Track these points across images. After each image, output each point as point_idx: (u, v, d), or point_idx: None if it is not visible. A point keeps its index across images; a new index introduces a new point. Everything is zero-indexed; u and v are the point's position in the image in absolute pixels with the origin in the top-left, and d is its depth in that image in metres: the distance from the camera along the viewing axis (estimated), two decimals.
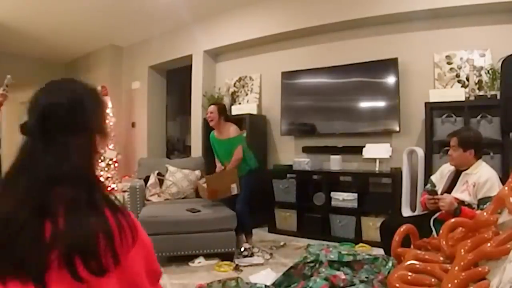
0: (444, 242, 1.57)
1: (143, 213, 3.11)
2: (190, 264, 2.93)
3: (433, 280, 1.37)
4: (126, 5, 4.57)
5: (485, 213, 1.59)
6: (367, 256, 1.97)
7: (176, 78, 6.19)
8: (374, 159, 3.75)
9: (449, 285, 1.27)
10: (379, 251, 2.40)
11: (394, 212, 3.33)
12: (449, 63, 3.56)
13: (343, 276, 1.77)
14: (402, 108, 3.70)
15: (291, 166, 4.16)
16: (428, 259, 1.55)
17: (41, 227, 0.69)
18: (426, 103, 3.41)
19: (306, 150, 4.32)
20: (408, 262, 1.52)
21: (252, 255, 3.14)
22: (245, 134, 4.31)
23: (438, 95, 3.42)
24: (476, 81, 3.35)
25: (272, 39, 4.56)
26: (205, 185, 3.30)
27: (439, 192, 2.33)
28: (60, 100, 0.77)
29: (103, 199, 0.76)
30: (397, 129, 3.70)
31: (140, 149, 5.92)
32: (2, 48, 5.93)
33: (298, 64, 4.37)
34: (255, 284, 2.03)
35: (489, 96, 3.23)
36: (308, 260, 1.97)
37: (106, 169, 5.31)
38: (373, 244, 3.32)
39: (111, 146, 5.60)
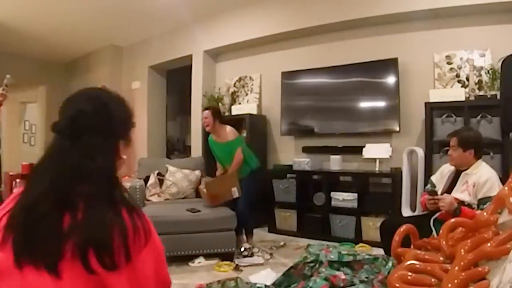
0: (444, 242, 1.57)
1: None
2: (190, 264, 2.94)
3: (433, 280, 1.37)
4: (126, 5, 4.57)
5: (485, 213, 1.59)
6: (367, 256, 1.97)
7: (176, 78, 6.19)
8: (374, 159, 3.75)
9: (449, 285, 1.27)
10: (379, 251, 2.40)
11: (394, 212, 3.33)
12: (449, 63, 3.56)
13: (343, 276, 1.77)
14: (402, 108, 3.70)
15: (291, 166, 4.16)
16: (428, 259, 1.55)
17: (60, 219, 0.74)
18: (426, 103, 3.42)
19: (306, 150, 4.32)
20: (408, 262, 1.52)
21: (252, 255, 3.14)
22: (244, 134, 4.32)
23: (438, 95, 3.42)
24: (476, 81, 3.35)
25: (272, 39, 4.56)
26: (205, 190, 3.29)
27: (439, 192, 2.33)
28: (87, 108, 0.84)
29: (121, 200, 0.81)
30: (397, 129, 3.70)
31: (140, 149, 5.92)
32: (2, 48, 5.93)
33: (298, 64, 4.37)
34: (255, 284, 2.03)
35: (489, 96, 3.23)
36: (308, 260, 1.97)
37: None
38: (373, 244, 3.32)
39: None
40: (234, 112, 4.66)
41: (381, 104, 3.84)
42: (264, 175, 4.09)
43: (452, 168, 2.39)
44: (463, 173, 2.28)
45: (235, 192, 3.19)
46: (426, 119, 3.42)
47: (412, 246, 1.97)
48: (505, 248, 1.25)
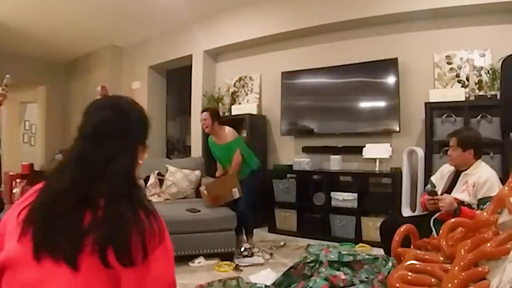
0: (444, 242, 1.57)
1: None
2: (190, 264, 2.94)
3: (433, 280, 1.37)
4: (126, 5, 4.57)
5: (485, 213, 1.59)
6: (367, 256, 1.97)
7: (176, 78, 6.19)
8: (374, 159, 3.75)
9: (449, 285, 1.27)
10: (379, 251, 2.40)
11: (394, 212, 3.33)
12: (449, 63, 3.56)
13: (343, 276, 1.77)
14: (402, 108, 3.70)
15: (291, 166, 4.16)
16: (428, 259, 1.55)
17: (81, 216, 0.78)
18: (426, 103, 3.42)
19: (306, 150, 4.32)
20: (408, 262, 1.52)
21: (252, 255, 3.14)
22: (244, 134, 4.32)
23: (438, 95, 3.42)
24: (476, 81, 3.35)
25: (272, 39, 4.56)
26: (206, 192, 3.29)
27: (439, 193, 2.33)
28: (110, 115, 0.91)
29: (139, 200, 0.86)
30: (397, 129, 3.70)
31: None
32: (2, 48, 5.93)
33: (298, 64, 4.37)
34: (255, 284, 2.03)
35: (489, 96, 3.23)
36: (308, 260, 1.97)
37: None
38: (373, 244, 3.32)
39: None
40: (234, 112, 4.66)
41: (381, 104, 3.84)
42: (264, 175, 4.09)
43: (452, 168, 2.39)
44: (463, 173, 2.28)
45: (236, 193, 3.19)
46: (426, 119, 3.42)
47: (412, 246, 1.97)
48: (505, 248, 1.25)
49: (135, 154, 0.93)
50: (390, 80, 3.75)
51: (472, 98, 3.30)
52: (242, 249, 3.16)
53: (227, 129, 3.41)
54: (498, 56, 3.11)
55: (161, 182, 3.82)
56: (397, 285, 1.40)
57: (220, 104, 4.80)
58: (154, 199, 3.68)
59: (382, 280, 1.74)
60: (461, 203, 2.14)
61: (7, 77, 3.43)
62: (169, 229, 0.91)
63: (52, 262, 0.75)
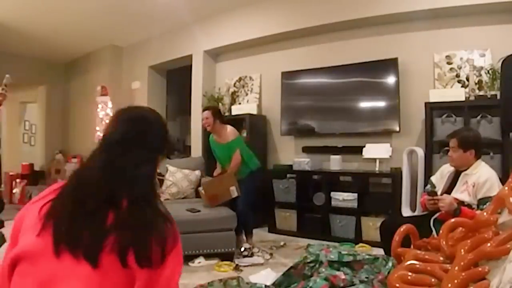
0: (444, 242, 1.57)
1: None
2: (190, 264, 2.94)
3: (433, 280, 1.37)
4: (126, 5, 4.57)
5: (485, 213, 1.59)
6: (367, 256, 1.97)
7: (176, 78, 6.19)
8: (374, 159, 3.75)
9: (449, 285, 1.27)
10: (379, 251, 2.40)
11: (394, 212, 3.33)
12: (449, 63, 3.56)
13: (343, 276, 1.77)
14: (402, 108, 3.70)
15: (291, 166, 4.16)
16: (428, 259, 1.55)
17: (105, 216, 0.82)
18: (426, 103, 3.42)
19: (306, 150, 4.32)
20: (408, 262, 1.52)
21: (252, 255, 3.14)
22: (244, 134, 4.32)
23: (438, 95, 3.42)
24: (476, 81, 3.35)
25: (272, 39, 4.56)
26: (203, 191, 3.29)
27: (439, 193, 2.32)
28: (138, 126, 0.98)
29: (158, 206, 0.92)
30: (397, 129, 3.70)
31: None
32: (2, 48, 5.93)
33: (298, 64, 4.37)
34: (255, 284, 2.03)
35: (489, 96, 3.23)
36: (308, 260, 1.97)
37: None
38: (373, 244, 3.32)
39: None
40: (234, 112, 4.66)
41: (381, 104, 3.84)
42: (264, 175, 4.09)
43: (452, 168, 2.39)
44: (463, 173, 2.28)
45: (234, 191, 3.18)
46: (426, 119, 3.41)
47: (412, 246, 1.98)
48: (505, 248, 1.25)
49: (156, 164, 1.00)
50: (390, 80, 3.75)
51: (472, 98, 3.30)
52: (242, 249, 3.16)
53: (229, 128, 3.40)
54: (498, 56, 3.11)
55: (161, 182, 3.82)
56: (397, 285, 1.40)
57: (220, 104, 4.80)
58: None
59: (382, 280, 1.74)
60: (461, 203, 2.14)
61: (7, 77, 3.43)
62: None
63: (71, 258, 0.78)
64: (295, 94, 4.35)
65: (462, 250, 1.40)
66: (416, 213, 2.83)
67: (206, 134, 4.46)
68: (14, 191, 6.24)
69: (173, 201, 3.64)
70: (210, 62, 5.22)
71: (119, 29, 5.45)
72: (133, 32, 5.56)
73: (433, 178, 2.55)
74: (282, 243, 3.61)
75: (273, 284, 2.00)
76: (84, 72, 6.68)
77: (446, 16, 3.55)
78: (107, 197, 0.84)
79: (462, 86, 3.45)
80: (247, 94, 4.86)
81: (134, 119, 1.00)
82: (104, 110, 5.66)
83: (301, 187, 4.02)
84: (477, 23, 3.47)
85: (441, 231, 1.64)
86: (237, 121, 4.32)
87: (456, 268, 1.32)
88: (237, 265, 2.92)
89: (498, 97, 3.13)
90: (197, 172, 3.91)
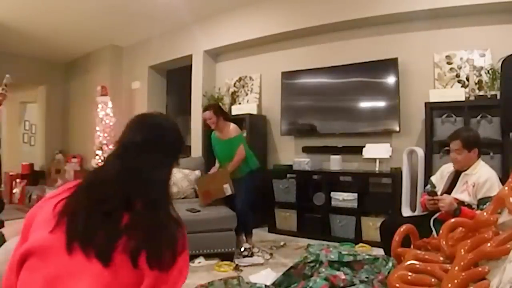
0: (444, 242, 1.57)
1: None
2: (190, 264, 2.92)
3: (433, 280, 1.37)
4: (126, 5, 4.57)
5: (485, 213, 1.59)
6: (367, 257, 1.97)
7: (176, 78, 6.19)
8: (374, 159, 3.75)
9: (449, 285, 1.27)
10: (379, 251, 2.40)
11: (394, 212, 3.33)
12: (449, 63, 3.56)
13: (343, 276, 1.77)
14: (402, 108, 3.70)
15: (291, 166, 4.16)
16: (428, 259, 1.55)
17: (120, 216, 0.84)
18: (426, 103, 3.42)
19: (306, 150, 4.32)
20: (408, 262, 1.52)
21: (252, 255, 3.14)
22: (244, 134, 4.31)
23: (438, 95, 3.42)
24: (476, 81, 3.35)
25: (272, 39, 4.56)
26: (196, 187, 3.28)
27: (439, 193, 2.32)
28: (151, 132, 1.01)
29: (172, 210, 0.95)
30: (397, 129, 3.70)
31: None
32: (2, 48, 5.93)
33: (298, 64, 4.37)
34: (255, 283, 2.03)
35: (489, 96, 3.23)
36: (308, 260, 1.97)
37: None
38: (373, 244, 3.32)
39: (111, 146, 5.60)
40: (234, 112, 4.66)
41: (381, 104, 3.84)
42: (264, 175, 4.09)
43: (452, 168, 2.39)
44: (463, 174, 2.28)
45: (228, 189, 3.16)
46: (426, 119, 3.41)
47: (412, 246, 1.98)
48: (505, 248, 1.25)
49: (171, 169, 1.03)
50: (390, 80, 3.75)
51: (472, 98, 3.30)
52: (242, 249, 3.16)
53: (232, 125, 3.40)
54: (498, 56, 3.11)
55: None
56: (397, 285, 1.40)
57: (220, 104, 4.80)
58: None
59: (382, 280, 1.74)
60: (461, 203, 2.14)
61: (6, 76, 3.43)
62: None
63: (83, 256, 0.79)
64: (295, 94, 4.35)
65: (462, 250, 1.40)
66: (416, 213, 2.82)
67: (206, 134, 4.46)
68: (14, 191, 6.24)
69: (173, 201, 3.63)
70: (210, 62, 5.22)
71: (119, 29, 5.45)
72: (133, 32, 5.56)
73: (433, 178, 2.55)
74: (282, 243, 3.61)
75: (273, 284, 2.00)
76: (84, 72, 6.68)
77: (446, 16, 3.55)
78: (122, 199, 0.86)
79: (462, 86, 3.45)
80: (247, 94, 4.86)
81: (151, 124, 1.04)
82: (104, 110, 5.65)
83: (301, 187, 4.02)
84: (477, 23, 3.47)
85: (441, 231, 1.64)
86: (237, 121, 4.29)
87: (456, 268, 1.32)
88: (237, 265, 2.92)
89: (498, 97, 3.13)
90: (197, 172, 3.90)
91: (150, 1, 4.47)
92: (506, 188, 1.57)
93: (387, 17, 3.75)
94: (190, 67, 5.22)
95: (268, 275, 2.55)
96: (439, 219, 2.15)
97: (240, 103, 4.85)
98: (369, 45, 3.99)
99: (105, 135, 5.59)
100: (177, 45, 5.38)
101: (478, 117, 3.19)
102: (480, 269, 1.28)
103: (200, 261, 2.96)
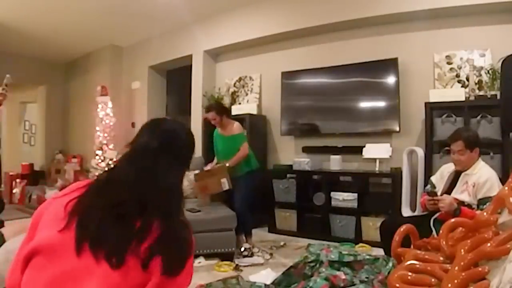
0: (444, 242, 1.57)
1: None
2: None
3: (433, 280, 1.37)
4: (126, 5, 4.57)
5: (485, 213, 1.59)
6: (367, 257, 1.97)
7: (176, 78, 6.19)
8: (374, 159, 3.75)
9: (449, 285, 1.27)
10: (379, 251, 2.40)
11: (394, 212, 3.33)
12: (449, 63, 3.56)
13: (343, 276, 1.77)
14: (402, 108, 3.70)
15: (291, 166, 4.16)
16: (428, 259, 1.55)
17: (134, 219, 0.84)
18: (426, 103, 3.42)
19: (306, 150, 4.32)
20: (408, 262, 1.52)
21: (252, 255, 3.14)
22: (244, 134, 4.31)
23: (438, 95, 3.42)
24: (476, 81, 3.35)
25: (272, 39, 4.56)
26: (195, 180, 3.30)
27: (439, 193, 2.32)
28: (165, 138, 1.02)
29: (183, 216, 0.96)
30: (397, 129, 3.70)
31: None
32: (2, 48, 5.93)
33: (298, 64, 4.37)
34: (255, 282, 2.03)
35: (489, 96, 3.23)
36: (309, 260, 1.97)
37: (106, 169, 5.30)
38: (373, 244, 3.32)
39: (111, 146, 5.60)
40: (234, 112, 4.65)
41: (381, 104, 3.84)
42: (264, 175, 4.09)
43: (452, 168, 2.39)
44: (463, 174, 2.28)
45: (225, 184, 3.16)
46: (426, 119, 3.41)
47: (412, 246, 1.97)
48: (505, 248, 1.25)
49: (183, 174, 1.05)
50: (390, 80, 3.75)
51: (472, 98, 3.30)
52: (242, 249, 3.16)
53: (236, 123, 3.44)
54: (498, 56, 3.11)
55: None
56: (397, 285, 1.40)
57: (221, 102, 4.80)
58: None
59: (382, 280, 1.74)
60: (461, 203, 2.14)
61: (7, 76, 3.43)
62: None
63: (91, 257, 0.79)
64: (295, 94, 4.35)
65: (462, 250, 1.40)
66: (416, 213, 2.82)
67: (206, 134, 4.46)
68: (14, 191, 6.24)
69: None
70: (210, 62, 5.22)
71: (119, 29, 5.45)
72: (133, 32, 5.57)
73: (433, 178, 2.55)
74: (282, 243, 3.61)
75: (273, 283, 2.00)
76: (84, 72, 6.68)
77: (446, 16, 3.55)
78: (137, 202, 0.86)
79: (462, 86, 3.45)
80: (247, 94, 4.86)
81: (166, 130, 1.05)
82: (104, 110, 5.65)
83: (301, 187, 4.02)
84: (477, 23, 3.47)
85: (441, 231, 1.64)
86: (237, 121, 4.31)
87: (456, 268, 1.32)
88: (237, 265, 2.92)
89: (498, 97, 3.13)
90: (197, 172, 3.90)
91: (150, 1, 4.47)
92: (506, 188, 1.57)
93: (387, 17, 3.75)
94: (190, 67, 5.22)
95: (268, 275, 2.55)
96: (439, 219, 2.15)
97: (240, 103, 4.85)
98: (369, 45, 3.99)
99: (105, 135, 5.60)
100: (177, 45, 5.38)
101: (478, 117, 3.19)
102: (480, 269, 1.28)
103: (200, 261, 2.96)
